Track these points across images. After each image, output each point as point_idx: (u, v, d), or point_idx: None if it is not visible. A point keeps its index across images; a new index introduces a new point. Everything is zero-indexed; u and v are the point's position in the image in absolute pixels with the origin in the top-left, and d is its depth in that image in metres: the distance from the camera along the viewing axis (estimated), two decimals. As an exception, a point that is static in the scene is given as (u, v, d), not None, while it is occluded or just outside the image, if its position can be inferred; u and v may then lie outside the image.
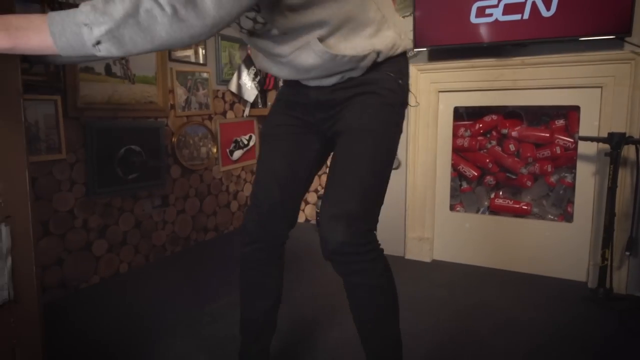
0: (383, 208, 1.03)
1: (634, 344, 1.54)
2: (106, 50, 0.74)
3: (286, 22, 0.91)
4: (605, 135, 1.88)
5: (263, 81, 3.03)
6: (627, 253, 1.91)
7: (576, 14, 1.89)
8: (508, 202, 2.33)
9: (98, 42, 0.72)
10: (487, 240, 2.28)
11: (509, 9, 2.00)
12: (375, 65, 1.02)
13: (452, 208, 2.40)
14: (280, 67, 1.07)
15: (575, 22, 1.90)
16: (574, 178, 2.10)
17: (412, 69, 2.31)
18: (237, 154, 3.00)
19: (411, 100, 1.14)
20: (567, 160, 2.20)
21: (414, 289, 2.00)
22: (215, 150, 2.75)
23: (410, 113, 2.35)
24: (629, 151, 1.90)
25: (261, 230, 1.15)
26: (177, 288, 2.00)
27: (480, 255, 2.30)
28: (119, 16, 0.71)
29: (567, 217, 2.16)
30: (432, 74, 2.28)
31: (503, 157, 2.33)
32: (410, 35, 1.00)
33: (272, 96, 3.10)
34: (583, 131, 2.04)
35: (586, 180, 2.05)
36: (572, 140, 2.17)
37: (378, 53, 0.99)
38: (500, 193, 2.40)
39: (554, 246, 2.12)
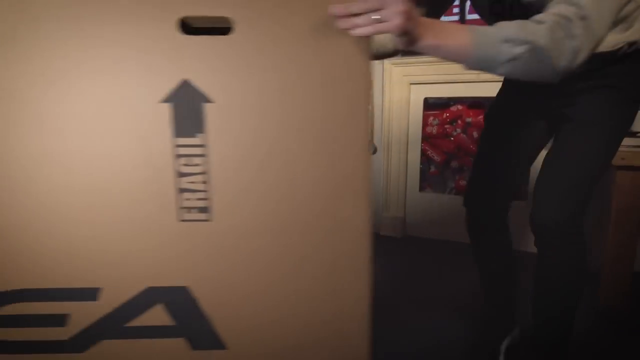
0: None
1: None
2: (508, 70, 0.74)
3: None
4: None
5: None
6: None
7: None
8: (471, 184, 2.57)
9: (511, 60, 0.73)
10: (453, 218, 2.54)
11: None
12: (624, 57, 0.94)
13: (421, 189, 2.65)
14: None
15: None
16: (528, 161, 2.35)
17: (386, 63, 2.51)
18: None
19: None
20: (523, 146, 2.45)
21: (387, 260, 2.24)
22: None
23: (385, 103, 2.56)
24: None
25: (474, 201, 1.29)
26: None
27: (447, 230, 2.56)
28: (542, 42, 0.72)
29: (522, 196, 2.43)
30: (405, 68, 2.48)
31: (467, 143, 2.57)
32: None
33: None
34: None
35: (539, 163, 2.30)
36: (527, 128, 2.41)
37: (631, 44, 0.92)
38: (465, 175, 2.65)
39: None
